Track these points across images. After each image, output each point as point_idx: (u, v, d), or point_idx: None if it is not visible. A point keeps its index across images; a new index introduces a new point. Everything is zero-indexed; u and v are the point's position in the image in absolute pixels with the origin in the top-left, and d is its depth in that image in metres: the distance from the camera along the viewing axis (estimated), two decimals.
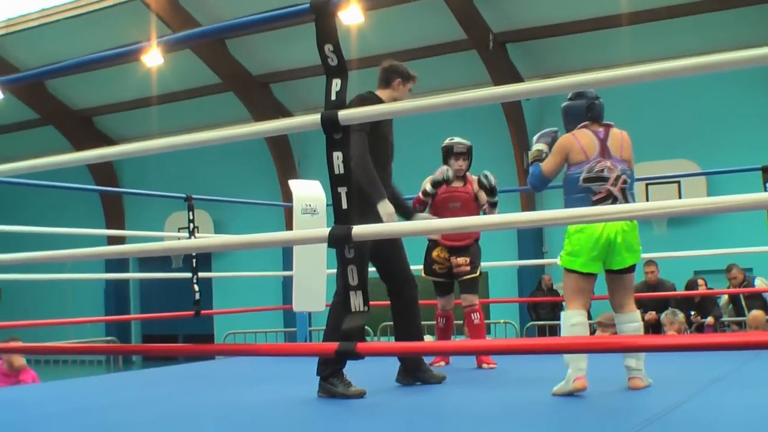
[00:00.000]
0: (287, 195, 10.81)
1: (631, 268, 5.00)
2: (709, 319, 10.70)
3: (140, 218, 19.69)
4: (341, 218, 2.89)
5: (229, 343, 12.88)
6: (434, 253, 6.64)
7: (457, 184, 6.62)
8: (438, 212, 6.48)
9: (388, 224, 2.93)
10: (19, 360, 8.24)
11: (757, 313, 9.26)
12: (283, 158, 18.79)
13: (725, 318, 11.08)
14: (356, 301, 2.88)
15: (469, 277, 6.55)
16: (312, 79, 16.71)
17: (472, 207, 6.60)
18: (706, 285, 11.20)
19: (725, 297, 11.20)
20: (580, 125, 4.99)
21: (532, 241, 15.73)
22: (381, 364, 5.82)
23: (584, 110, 5.00)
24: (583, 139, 4.90)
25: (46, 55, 16.86)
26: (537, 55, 16.14)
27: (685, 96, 13.92)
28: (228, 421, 4.48)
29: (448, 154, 6.68)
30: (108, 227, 20.37)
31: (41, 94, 19.75)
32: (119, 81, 18.18)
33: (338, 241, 2.86)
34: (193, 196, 7.84)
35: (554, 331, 11.64)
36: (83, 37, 16.92)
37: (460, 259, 6.58)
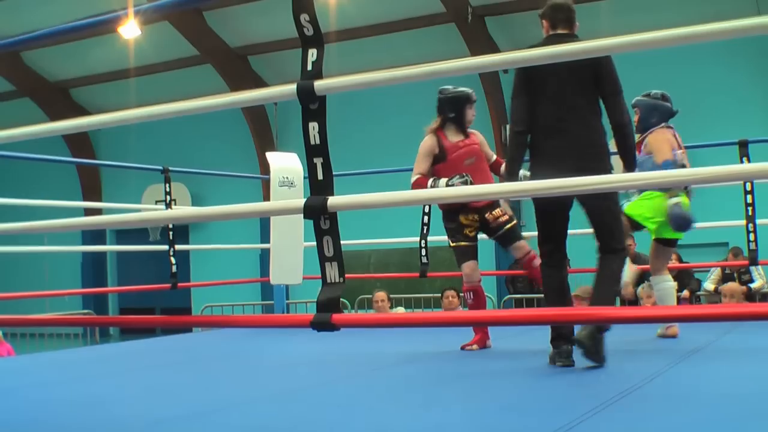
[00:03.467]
0: (265, 168, 10.79)
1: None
2: (685, 293, 10.75)
3: (117, 191, 19.56)
4: (317, 189, 2.88)
5: (206, 315, 12.87)
6: (462, 219, 6.06)
7: (461, 137, 6.22)
8: (455, 169, 6.03)
9: (366, 195, 2.90)
10: None
11: (733, 285, 9.32)
12: (261, 131, 18.71)
13: (700, 292, 11.14)
14: (331, 272, 2.87)
15: (510, 225, 6.12)
16: (291, 51, 16.61)
17: (483, 160, 6.26)
18: (680, 259, 11.22)
19: (717, 272, 11.16)
20: (663, 123, 6.11)
21: None
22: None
23: (671, 111, 6.18)
24: (670, 134, 6.11)
25: (21, 25, 16.69)
26: (516, 29, 16.09)
27: (665, 73, 13.91)
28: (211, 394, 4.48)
29: (463, 101, 6.23)
30: (85, 200, 20.24)
31: (17, 65, 19.56)
32: (96, 53, 18.04)
33: (314, 212, 2.85)
34: (170, 168, 7.81)
35: (531, 303, 11.67)
36: (59, 7, 16.76)
37: (497, 211, 6.08)
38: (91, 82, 19.91)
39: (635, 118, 6.09)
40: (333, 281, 2.86)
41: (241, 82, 17.66)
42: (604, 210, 4.79)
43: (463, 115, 6.18)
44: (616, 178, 2.91)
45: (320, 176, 2.87)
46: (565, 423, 3.19)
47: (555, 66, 4.14)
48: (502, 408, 3.74)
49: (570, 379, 4.50)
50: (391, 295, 9.94)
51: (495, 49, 15.68)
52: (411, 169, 6.26)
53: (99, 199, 20.58)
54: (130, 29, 15.47)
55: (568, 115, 4.76)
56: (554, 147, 4.75)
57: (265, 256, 13.10)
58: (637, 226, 6.18)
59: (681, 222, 5.71)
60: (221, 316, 12.58)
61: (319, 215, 2.84)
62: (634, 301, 10.11)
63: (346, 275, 2.91)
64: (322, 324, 2.78)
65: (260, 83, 18.23)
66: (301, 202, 2.90)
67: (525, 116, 4.79)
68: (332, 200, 2.83)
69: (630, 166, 4.87)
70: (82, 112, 20.18)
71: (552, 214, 4.85)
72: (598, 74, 4.73)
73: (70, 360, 6.71)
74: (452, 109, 6.16)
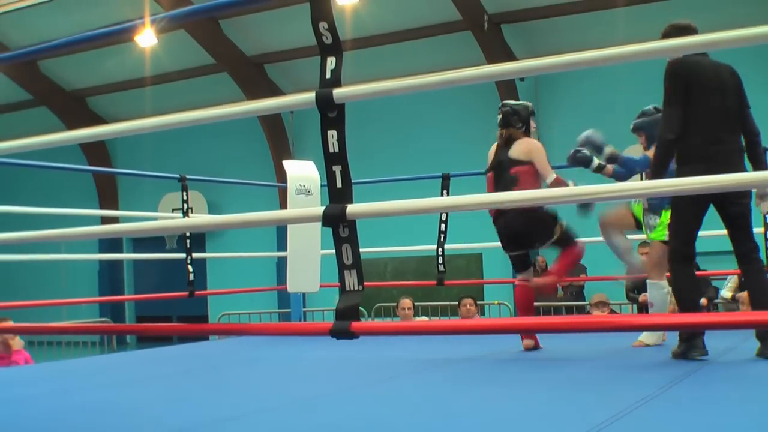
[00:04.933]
0: (281, 176, 10.80)
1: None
2: (703, 301, 10.69)
3: (134, 200, 19.63)
4: (336, 197, 2.88)
5: (223, 323, 12.89)
6: None
7: None
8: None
9: (385, 203, 2.90)
10: (16, 341, 8.24)
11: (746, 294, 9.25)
12: (277, 139, 18.74)
13: (718, 300, 11.06)
14: (350, 280, 2.87)
15: None
16: (306, 59, 16.67)
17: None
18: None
19: (734, 279, 11.08)
20: None
21: None
22: None
23: None
24: None
25: (38, 35, 16.77)
26: (532, 36, 16.10)
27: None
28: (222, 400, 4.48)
29: (530, 113, 6.38)
30: (102, 209, 20.30)
31: (34, 74, 19.66)
32: (113, 61, 18.12)
33: (333, 220, 2.85)
34: (187, 176, 7.82)
35: (547, 311, 11.62)
36: (76, 17, 16.84)
37: None
38: (107, 91, 20.00)
39: (641, 140, 6.22)
40: (352, 289, 2.86)
41: (257, 90, 17.69)
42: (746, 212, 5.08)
43: (530, 127, 6.29)
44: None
45: (339, 184, 2.87)
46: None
47: (720, 78, 4.93)
48: (521, 416, 3.72)
49: (589, 384, 4.48)
50: None
51: (511, 57, 15.68)
52: (427, 177, 6.32)
53: (116, 208, 20.64)
54: (146, 38, 15.57)
55: (730, 125, 5.03)
56: (717, 153, 4.91)
57: (282, 265, 13.10)
58: (641, 226, 6.27)
59: None
60: (239, 324, 12.60)
61: (338, 223, 2.84)
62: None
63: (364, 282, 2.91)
64: (341, 332, 2.78)
65: (276, 92, 18.27)
66: (320, 210, 2.90)
67: (678, 125, 4.93)
68: (351, 208, 2.82)
69: (763, 170, 5.10)
70: (99, 120, 20.25)
71: (697, 213, 5.02)
72: (740, 87, 5.11)
73: (88, 368, 6.71)
74: (521, 121, 6.26)
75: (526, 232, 5.98)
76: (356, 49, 15.47)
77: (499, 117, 6.27)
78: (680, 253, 5.09)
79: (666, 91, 4.98)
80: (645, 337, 6.08)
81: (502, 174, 6.01)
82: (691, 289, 5.13)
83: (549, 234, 5.97)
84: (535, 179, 5.91)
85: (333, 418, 3.86)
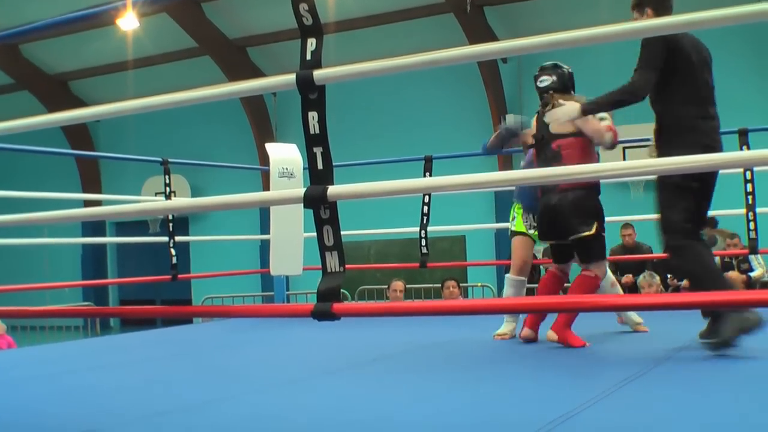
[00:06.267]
0: (264, 160, 10.79)
1: None
2: (685, 282, 10.74)
3: (117, 184, 19.58)
4: (317, 178, 2.88)
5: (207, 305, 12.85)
6: None
7: None
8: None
9: (366, 184, 2.90)
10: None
11: (732, 274, 9.32)
12: (260, 123, 18.69)
13: None
14: (332, 261, 2.87)
15: None
16: (289, 42, 16.61)
17: None
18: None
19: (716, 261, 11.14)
20: None
21: (509, 204, 15.69)
22: None
23: None
24: None
25: (20, 17, 16.65)
26: (515, 19, 16.08)
27: None
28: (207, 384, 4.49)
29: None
30: (84, 193, 20.23)
31: (16, 58, 19.54)
32: (95, 45, 18.01)
33: (313, 201, 2.85)
34: (170, 160, 7.81)
35: (531, 293, 11.66)
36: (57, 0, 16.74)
37: None
38: (90, 75, 19.89)
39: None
40: (333, 270, 2.86)
41: (240, 73, 17.63)
42: None
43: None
44: None
45: (320, 166, 2.87)
46: (567, 411, 3.21)
47: (701, 52, 4.87)
48: (500, 397, 3.74)
49: (569, 367, 4.51)
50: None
51: (494, 39, 15.64)
52: (409, 159, 6.25)
53: (98, 192, 20.56)
54: (128, 21, 15.46)
55: (713, 102, 4.94)
56: (711, 129, 4.85)
57: (265, 248, 13.11)
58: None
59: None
60: (222, 306, 12.59)
61: (319, 204, 2.84)
62: (634, 291, 10.14)
63: (346, 266, 2.91)
64: (322, 313, 2.78)
65: (259, 75, 18.21)
66: (301, 191, 2.90)
67: (649, 90, 4.82)
68: (332, 189, 2.83)
69: None
70: (82, 105, 20.14)
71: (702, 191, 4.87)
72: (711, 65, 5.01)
73: (71, 352, 6.71)
74: (568, 85, 5.72)
75: (563, 212, 5.33)
76: (339, 32, 15.44)
77: (550, 80, 5.63)
78: (690, 232, 4.79)
79: (643, 54, 4.76)
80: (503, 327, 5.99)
81: (543, 149, 5.51)
82: (711, 268, 4.80)
83: (585, 223, 5.31)
84: (583, 153, 5.38)
85: (317, 399, 3.88)
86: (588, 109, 5.00)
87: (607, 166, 2.62)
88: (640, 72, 4.75)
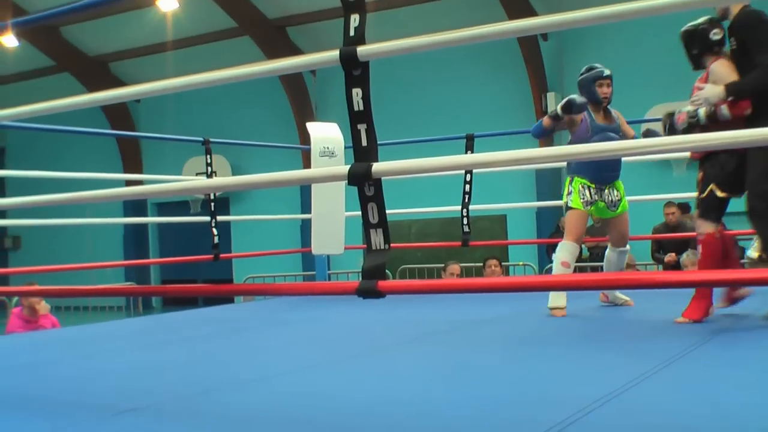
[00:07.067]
0: (305, 139, 10.78)
1: None
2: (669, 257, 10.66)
3: (158, 164, 19.64)
4: (361, 155, 2.86)
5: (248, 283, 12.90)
6: None
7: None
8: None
9: (411, 160, 2.87)
10: (42, 305, 8.29)
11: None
12: (300, 102, 18.68)
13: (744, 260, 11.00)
14: (376, 239, 2.85)
15: None
16: (329, 22, 16.58)
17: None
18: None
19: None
20: None
21: (550, 182, 15.64)
22: None
23: None
24: None
25: None
26: None
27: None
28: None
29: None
30: (126, 174, 20.34)
31: (56, 40, 19.67)
32: (135, 26, 18.09)
33: (358, 178, 2.82)
34: (211, 139, 7.82)
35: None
36: None
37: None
38: (129, 56, 19.97)
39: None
40: (378, 248, 2.84)
41: (279, 53, 17.59)
42: None
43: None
44: None
45: (364, 142, 2.84)
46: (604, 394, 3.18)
47: None
48: (541, 377, 3.71)
49: (613, 350, 4.47)
50: (433, 265, 9.91)
51: (534, 15, 15.51)
52: (451, 138, 6.19)
53: (140, 172, 20.65)
54: (167, 2, 15.52)
55: None
56: None
57: (306, 227, 13.11)
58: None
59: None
60: (265, 284, 12.64)
61: (363, 182, 2.81)
62: (677, 268, 10.06)
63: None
64: (368, 291, 2.76)
65: (298, 54, 18.17)
66: (345, 168, 2.87)
67: None
68: (377, 166, 2.80)
69: None
70: (122, 86, 20.21)
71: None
72: None
73: (114, 331, 6.75)
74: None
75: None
76: (379, 11, 15.38)
77: (721, 35, 5.26)
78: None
79: (759, 36, 4.74)
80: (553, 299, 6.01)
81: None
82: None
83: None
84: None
85: (367, 377, 3.87)
86: (735, 92, 4.90)
87: (721, 135, 2.54)
88: None
